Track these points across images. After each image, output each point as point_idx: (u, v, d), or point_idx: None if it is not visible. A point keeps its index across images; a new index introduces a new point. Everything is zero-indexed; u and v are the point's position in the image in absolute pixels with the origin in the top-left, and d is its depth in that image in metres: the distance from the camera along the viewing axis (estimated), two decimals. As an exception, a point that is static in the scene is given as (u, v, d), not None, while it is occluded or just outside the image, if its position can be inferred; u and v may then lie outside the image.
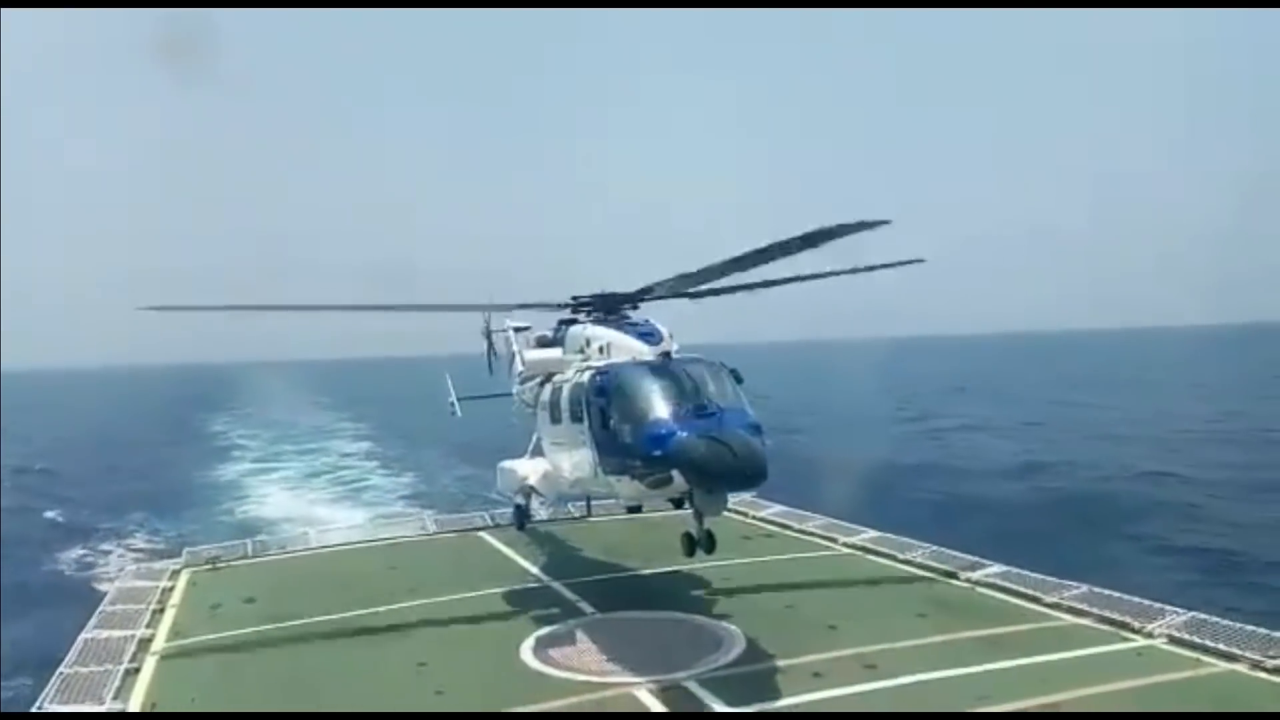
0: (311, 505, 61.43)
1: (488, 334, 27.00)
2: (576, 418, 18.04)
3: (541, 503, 22.75)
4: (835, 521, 25.92)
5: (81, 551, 49.46)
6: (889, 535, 24.50)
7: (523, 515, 22.78)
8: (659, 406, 15.73)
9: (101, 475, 79.03)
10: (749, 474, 14.62)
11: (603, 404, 16.85)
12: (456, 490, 62.34)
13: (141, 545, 50.97)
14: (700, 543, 16.72)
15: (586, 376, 17.88)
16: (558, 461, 19.95)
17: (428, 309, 21.17)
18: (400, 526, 30.44)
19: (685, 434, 15.06)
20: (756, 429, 15.66)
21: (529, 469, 21.29)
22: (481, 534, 27.65)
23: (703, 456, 14.64)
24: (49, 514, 61.33)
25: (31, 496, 67.65)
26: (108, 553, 49.35)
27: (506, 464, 22.22)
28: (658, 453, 15.28)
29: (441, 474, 70.28)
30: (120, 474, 79.48)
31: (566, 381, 19.04)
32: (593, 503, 22.64)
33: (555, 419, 19.49)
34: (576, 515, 27.96)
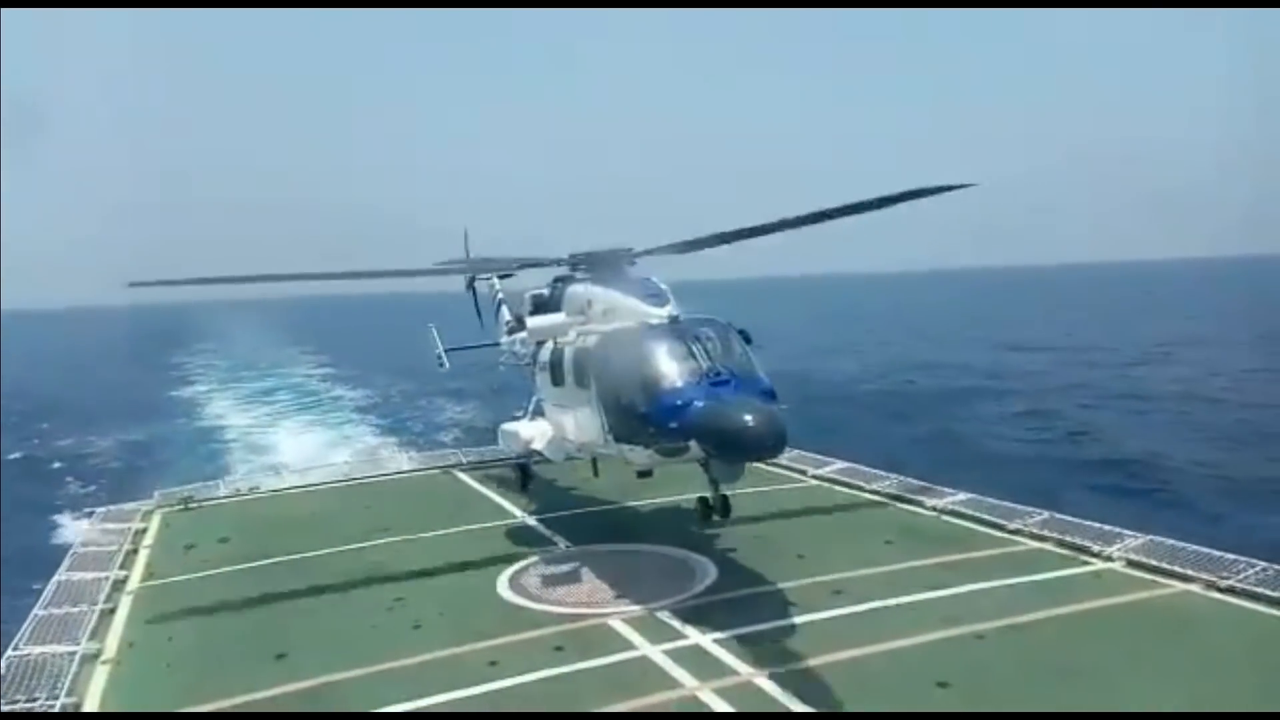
0: (274, 420, 70.45)
1: (471, 283, 26.73)
2: (582, 383, 17.45)
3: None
4: (804, 454, 26.25)
5: (49, 489, 49.09)
6: (857, 466, 24.93)
7: (526, 476, 22.30)
8: (673, 374, 15.24)
9: (74, 407, 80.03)
10: (770, 443, 14.27)
11: (612, 371, 16.29)
12: (400, 400, 75.54)
13: (109, 476, 50.92)
14: (716, 509, 16.50)
15: (593, 341, 17.30)
16: (562, 425, 19.26)
17: (418, 274, 20.55)
18: (374, 465, 30.48)
19: (702, 403, 14.65)
20: (772, 395, 15.34)
21: (533, 432, 20.53)
22: (455, 471, 27.77)
23: (723, 427, 14.28)
24: (15, 455, 60.82)
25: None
26: (76, 489, 49.19)
27: (509, 426, 21.49)
28: (674, 424, 14.90)
29: (390, 388, 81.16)
30: (91, 405, 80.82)
31: (569, 344, 18.31)
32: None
33: (557, 381, 18.86)
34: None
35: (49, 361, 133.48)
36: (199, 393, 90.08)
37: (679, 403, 14.89)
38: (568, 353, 18.28)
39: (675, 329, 16.23)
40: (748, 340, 16.56)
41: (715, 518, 16.84)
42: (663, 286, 17.63)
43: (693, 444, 14.86)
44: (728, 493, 16.71)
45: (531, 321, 19.25)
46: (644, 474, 17.86)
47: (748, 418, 14.05)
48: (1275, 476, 40.05)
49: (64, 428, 69.53)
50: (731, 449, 14.57)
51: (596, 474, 20.94)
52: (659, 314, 16.83)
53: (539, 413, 20.91)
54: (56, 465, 56.84)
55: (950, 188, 12.25)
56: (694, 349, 15.56)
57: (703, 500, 16.81)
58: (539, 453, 20.65)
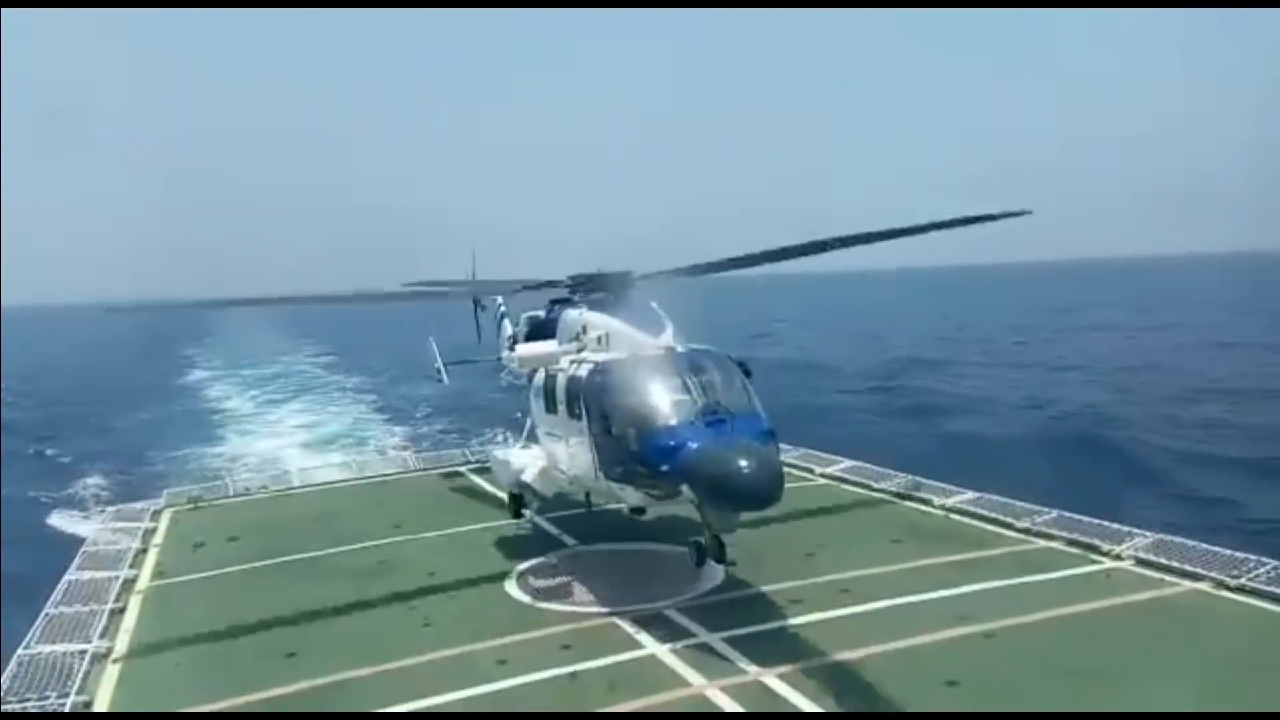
0: (276, 403, 77.63)
1: (476, 299, 26.73)
2: (574, 414, 16.60)
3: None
4: (811, 452, 26.22)
5: (59, 488, 49.24)
6: (864, 465, 24.86)
7: (519, 505, 20.80)
8: (665, 412, 14.48)
9: (80, 403, 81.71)
10: (764, 494, 13.47)
11: (603, 404, 15.46)
12: (388, 382, 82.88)
13: (118, 474, 51.28)
14: (709, 552, 15.07)
15: (585, 371, 16.54)
16: (554, 455, 18.32)
17: (420, 294, 20.26)
18: (383, 465, 30.57)
19: (695, 445, 13.89)
20: (771, 435, 14.68)
21: (524, 461, 19.15)
22: (463, 470, 27.81)
23: (714, 473, 13.56)
24: (23, 453, 61.02)
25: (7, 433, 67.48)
26: (86, 487, 49.39)
27: (500, 454, 20.47)
28: (665, 466, 14.17)
29: (383, 372, 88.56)
30: (98, 401, 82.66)
31: (562, 371, 17.53)
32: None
33: (550, 408, 18.02)
34: None
35: (52, 358, 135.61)
36: (202, 379, 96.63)
37: (671, 443, 14.13)
38: (560, 380, 17.48)
39: (671, 360, 15.55)
40: (748, 373, 15.84)
41: (709, 562, 15.39)
42: (661, 314, 16.82)
43: (685, 487, 14.20)
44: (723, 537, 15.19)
45: (521, 349, 18.47)
46: (637, 511, 16.97)
47: (742, 463, 13.33)
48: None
49: (72, 425, 69.95)
50: (724, 498, 13.82)
51: (589, 508, 19.89)
52: (655, 343, 16.14)
53: (532, 438, 19.94)
54: (66, 462, 57.07)
55: (1001, 216, 12.33)
56: (690, 383, 14.83)
57: (696, 544, 15.34)
58: (529, 485, 19.09)
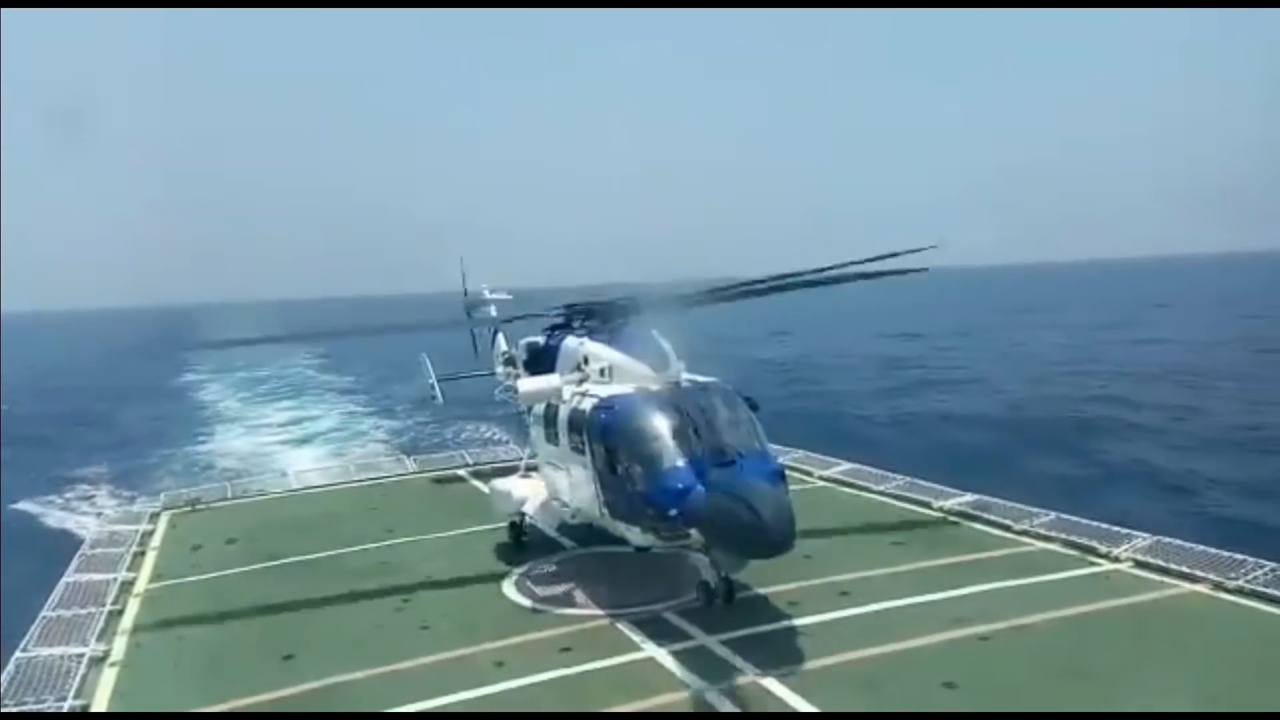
0: (268, 400, 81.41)
1: (469, 314, 26.76)
2: (578, 449, 16.32)
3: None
4: (810, 454, 26.22)
5: (56, 490, 49.18)
6: (863, 467, 24.86)
7: (519, 533, 19.86)
8: (673, 452, 14.09)
9: (79, 407, 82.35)
10: (778, 542, 12.93)
11: (608, 442, 15.15)
12: (375, 381, 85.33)
13: (116, 476, 51.30)
14: (718, 594, 14.98)
15: (588, 406, 16.14)
16: (557, 487, 18.04)
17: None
18: (381, 468, 30.57)
19: (704, 489, 13.58)
20: (780, 475, 14.29)
21: (526, 492, 18.94)
22: (461, 473, 27.80)
23: (724, 520, 13.17)
24: (19, 456, 60.88)
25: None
26: (82, 487, 49.41)
27: (500, 484, 19.89)
28: (673, 511, 13.86)
29: (370, 373, 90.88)
30: (97, 404, 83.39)
31: (564, 403, 17.16)
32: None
33: (552, 439, 17.69)
34: None
35: (52, 361, 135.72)
36: (199, 380, 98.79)
37: (680, 486, 13.80)
38: (563, 411, 17.13)
39: (677, 397, 15.07)
40: (754, 407, 15.45)
41: (717, 601, 15.09)
42: (664, 344, 16.21)
43: (694, 532, 14.00)
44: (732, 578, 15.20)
45: (523, 386, 17.89)
46: (643, 549, 16.36)
47: (757, 511, 12.81)
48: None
49: (71, 428, 69.85)
50: (736, 546, 13.58)
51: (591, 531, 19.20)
52: (660, 378, 15.72)
53: (532, 466, 19.72)
54: (64, 465, 56.99)
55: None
56: (698, 423, 14.37)
57: (704, 584, 15.21)
58: (531, 517, 19.07)
